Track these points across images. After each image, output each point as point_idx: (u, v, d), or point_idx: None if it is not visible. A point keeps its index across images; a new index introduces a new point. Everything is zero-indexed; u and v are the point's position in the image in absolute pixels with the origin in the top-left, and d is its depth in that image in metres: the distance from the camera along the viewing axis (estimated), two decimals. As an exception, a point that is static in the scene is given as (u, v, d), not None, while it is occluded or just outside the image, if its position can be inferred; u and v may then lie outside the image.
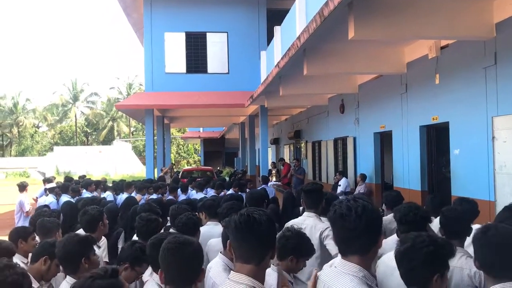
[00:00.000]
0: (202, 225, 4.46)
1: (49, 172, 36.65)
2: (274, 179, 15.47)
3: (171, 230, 4.49)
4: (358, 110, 12.22)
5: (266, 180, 12.07)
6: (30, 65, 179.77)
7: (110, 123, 64.11)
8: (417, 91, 9.05)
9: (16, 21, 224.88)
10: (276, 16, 15.75)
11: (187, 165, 49.42)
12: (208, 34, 17.37)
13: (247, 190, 9.33)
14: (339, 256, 2.20)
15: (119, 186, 10.33)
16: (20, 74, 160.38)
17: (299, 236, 3.22)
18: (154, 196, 9.03)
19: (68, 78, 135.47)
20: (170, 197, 9.23)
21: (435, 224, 3.78)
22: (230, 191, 9.42)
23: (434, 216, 3.89)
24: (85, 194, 9.58)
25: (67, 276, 3.04)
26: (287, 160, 20.14)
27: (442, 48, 7.82)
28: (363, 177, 11.45)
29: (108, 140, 63.21)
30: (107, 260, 4.62)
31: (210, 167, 24.23)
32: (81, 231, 4.13)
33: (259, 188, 8.74)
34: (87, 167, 40.03)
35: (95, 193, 10.01)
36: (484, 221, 3.09)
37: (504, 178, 6.39)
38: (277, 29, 13.39)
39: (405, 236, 2.29)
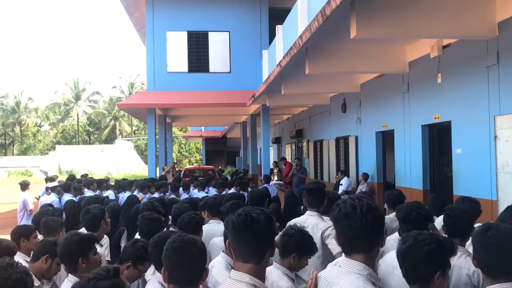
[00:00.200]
0: (204, 224, 4.47)
1: (51, 171, 36.74)
2: (275, 178, 15.49)
3: (172, 228, 4.51)
4: (360, 109, 12.22)
5: (268, 179, 12.08)
6: (32, 64, 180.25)
7: (112, 122, 64.15)
8: (419, 90, 9.04)
9: (18, 20, 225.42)
10: (278, 15, 15.74)
11: (189, 164, 49.46)
12: (210, 33, 17.39)
13: (249, 189, 9.33)
14: (343, 255, 2.20)
15: (121, 185, 10.35)
16: (22, 73, 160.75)
17: (302, 234, 3.23)
18: (156, 195, 9.05)
19: (70, 77, 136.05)
20: (172, 196, 9.25)
21: (437, 223, 3.78)
22: (232, 190, 9.43)
23: (436, 215, 3.89)
24: (87, 193, 9.60)
25: (69, 275, 3.05)
26: (288, 159, 20.14)
27: (444, 47, 7.81)
28: (366, 176, 11.45)
29: (110, 139, 63.26)
30: (109, 259, 4.63)
31: (211, 166, 24.25)
32: (83, 230, 4.15)
33: (261, 188, 8.74)
34: (89, 166, 40.07)
35: (97, 192, 10.03)
36: (486, 221, 3.08)
37: (506, 177, 6.39)
38: (279, 28, 13.39)
39: (407, 235, 2.30)
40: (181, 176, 16.61)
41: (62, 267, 3.32)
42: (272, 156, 24.98)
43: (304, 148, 19.20)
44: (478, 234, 2.31)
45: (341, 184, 12.14)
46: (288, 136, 21.54)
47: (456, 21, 6.25)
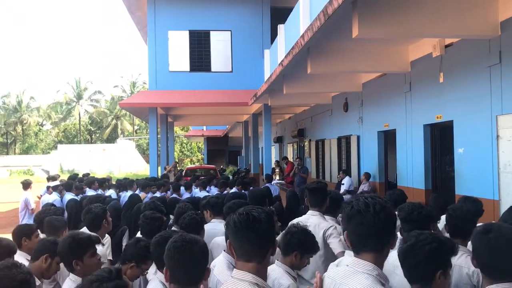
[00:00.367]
0: (206, 223, 4.47)
1: (53, 170, 36.75)
2: (277, 177, 15.49)
3: (174, 228, 4.51)
4: (362, 108, 12.20)
5: (270, 178, 12.08)
6: (34, 64, 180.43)
7: (114, 121, 64.23)
8: (421, 89, 9.03)
9: (20, 19, 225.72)
10: (280, 14, 15.74)
11: (191, 164, 49.49)
12: (211, 33, 17.39)
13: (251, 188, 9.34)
14: (352, 254, 2.18)
15: (123, 184, 10.36)
16: (24, 73, 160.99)
17: (304, 232, 3.23)
18: (158, 194, 9.06)
19: (72, 77, 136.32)
20: (174, 195, 9.26)
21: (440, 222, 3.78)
22: (234, 189, 9.44)
23: (438, 215, 3.88)
24: (89, 192, 9.62)
25: (71, 274, 3.06)
26: (290, 158, 20.13)
27: (446, 46, 7.79)
28: (368, 175, 11.44)
29: (111, 139, 63.36)
30: (111, 258, 4.64)
31: (213, 166, 24.28)
32: (85, 229, 4.15)
33: (262, 187, 8.75)
34: (91, 165, 40.15)
35: (99, 191, 10.04)
36: (488, 220, 3.07)
37: (509, 177, 6.37)
38: (280, 28, 13.38)
39: (408, 234, 2.30)
40: (183, 175, 16.64)
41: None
42: (274, 156, 24.98)
43: (306, 148, 19.19)
44: (478, 234, 2.30)
45: (343, 184, 12.14)
46: (290, 135, 21.52)
47: (458, 21, 6.24)
